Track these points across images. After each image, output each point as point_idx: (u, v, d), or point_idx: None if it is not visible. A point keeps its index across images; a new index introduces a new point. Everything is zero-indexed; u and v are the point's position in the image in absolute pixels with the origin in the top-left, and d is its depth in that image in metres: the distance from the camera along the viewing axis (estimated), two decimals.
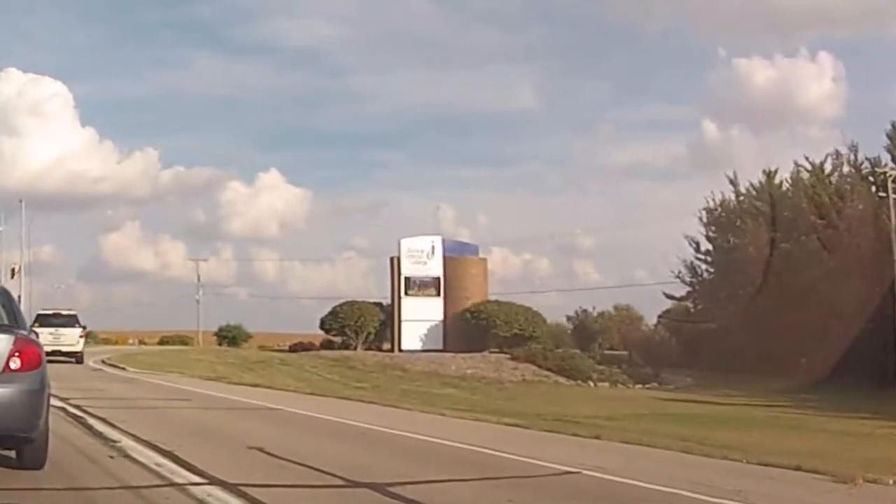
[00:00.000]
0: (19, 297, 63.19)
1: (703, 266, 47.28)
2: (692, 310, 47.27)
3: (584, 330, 48.09)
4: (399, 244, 42.11)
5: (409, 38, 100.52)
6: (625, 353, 45.30)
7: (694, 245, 46.97)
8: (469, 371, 36.90)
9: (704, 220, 46.60)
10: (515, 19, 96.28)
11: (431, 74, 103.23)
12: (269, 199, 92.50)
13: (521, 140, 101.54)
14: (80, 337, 30.21)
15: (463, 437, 11.11)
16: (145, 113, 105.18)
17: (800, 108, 78.79)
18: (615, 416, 20.41)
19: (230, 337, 63.51)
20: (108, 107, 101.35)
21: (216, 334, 66.56)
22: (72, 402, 14.26)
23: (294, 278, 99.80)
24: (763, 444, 13.47)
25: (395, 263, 41.67)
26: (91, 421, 11.63)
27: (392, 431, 11.90)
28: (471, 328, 40.88)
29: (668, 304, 48.66)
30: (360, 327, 41.76)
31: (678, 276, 47.09)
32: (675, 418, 21.28)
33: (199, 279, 69.71)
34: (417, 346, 40.88)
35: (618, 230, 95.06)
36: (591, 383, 37.73)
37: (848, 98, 77.24)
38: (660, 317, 50.90)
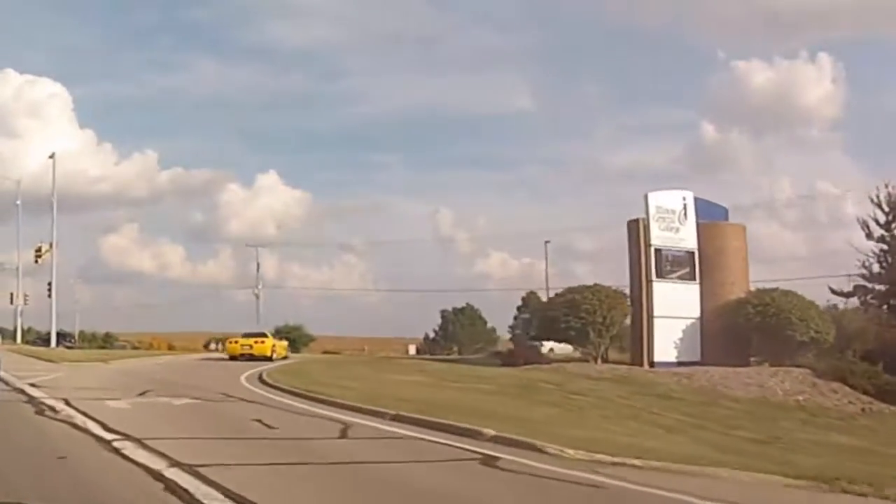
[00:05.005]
0: (49, 284, 49.39)
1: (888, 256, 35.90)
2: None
3: (841, 332, 34.59)
4: (646, 199, 27.47)
5: (408, 40, 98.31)
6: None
7: (865, 230, 35.20)
8: (799, 398, 23.33)
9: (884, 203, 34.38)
10: (513, 22, 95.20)
11: (430, 77, 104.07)
12: (267, 200, 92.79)
13: (519, 143, 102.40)
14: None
15: None
16: (144, 115, 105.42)
17: (800, 110, 73.01)
18: None
19: (291, 339, 50.26)
20: (107, 109, 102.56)
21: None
22: None
23: (294, 277, 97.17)
24: None
25: (640, 229, 27.07)
26: None
27: None
28: (743, 328, 27.20)
29: None
30: (607, 325, 27.40)
31: (865, 267, 35.92)
32: None
33: (258, 268, 59.44)
34: (672, 356, 26.83)
35: (615, 232, 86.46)
36: None
37: (847, 99, 76.34)
38: None
